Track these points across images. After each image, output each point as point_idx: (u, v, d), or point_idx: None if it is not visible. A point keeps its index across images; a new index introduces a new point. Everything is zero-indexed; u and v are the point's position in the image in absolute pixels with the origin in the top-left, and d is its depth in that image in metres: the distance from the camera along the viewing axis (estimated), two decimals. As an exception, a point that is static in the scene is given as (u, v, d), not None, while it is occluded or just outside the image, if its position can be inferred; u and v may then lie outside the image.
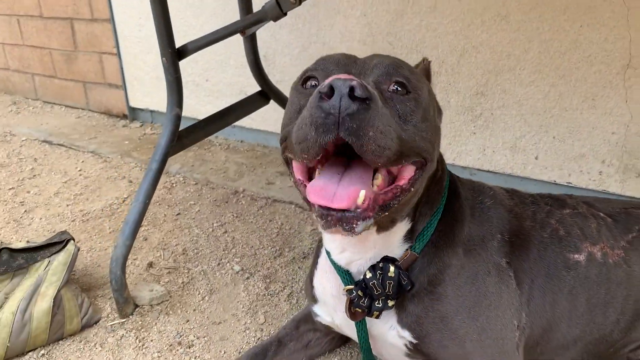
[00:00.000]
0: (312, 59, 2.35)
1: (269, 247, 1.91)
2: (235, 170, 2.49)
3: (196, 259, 1.86)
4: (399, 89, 0.99)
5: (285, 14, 1.44)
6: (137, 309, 1.63)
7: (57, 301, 1.50)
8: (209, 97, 2.70)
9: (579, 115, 1.85)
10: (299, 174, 1.02)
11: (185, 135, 1.69)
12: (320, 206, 0.89)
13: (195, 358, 1.45)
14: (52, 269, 1.55)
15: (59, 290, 1.51)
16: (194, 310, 1.63)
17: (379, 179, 0.95)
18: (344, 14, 2.18)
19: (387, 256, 1.09)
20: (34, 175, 2.50)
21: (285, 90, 2.14)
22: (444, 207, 1.17)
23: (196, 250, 1.91)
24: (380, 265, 1.08)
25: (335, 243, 1.14)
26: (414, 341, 1.12)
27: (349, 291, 1.11)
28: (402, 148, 0.92)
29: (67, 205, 2.23)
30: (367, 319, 1.15)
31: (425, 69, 1.22)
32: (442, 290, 1.11)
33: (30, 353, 1.47)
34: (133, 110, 3.09)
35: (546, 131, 1.93)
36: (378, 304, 1.09)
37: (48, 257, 1.59)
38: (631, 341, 1.26)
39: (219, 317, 1.59)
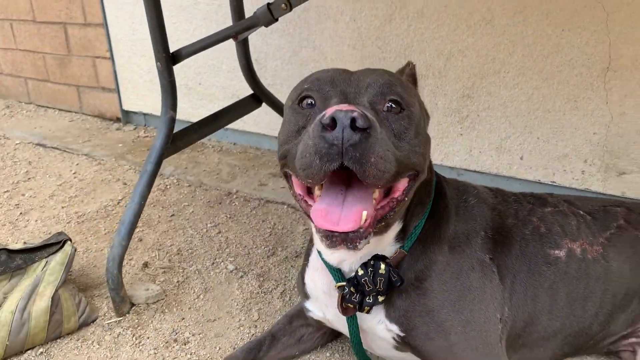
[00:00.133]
0: (302, 63, 2.41)
1: (262, 247, 1.95)
2: (229, 172, 2.53)
3: (191, 259, 1.90)
4: (393, 106, 1.04)
5: (276, 20, 1.48)
6: (133, 308, 1.67)
7: (55, 300, 1.53)
8: (202, 100, 2.74)
9: (561, 117, 1.91)
10: (299, 189, 1.07)
11: (179, 138, 1.73)
12: (325, 229, 0.95)
13: (191, 354, 1.49)
14: (50, 269, 1.58)
15: (56, 290, 1.54)
16: (189, 308, 1.67)
17: (376, 193, 1.02)
18: (334, 19, 2.23)
19: (377, 254, 1.14)
20: (29, 178, 2.53)
21: (277, 93, 2.19)
22: (431, 206, 1.22)
23: (190, 251, 1.95)
24: (372, 262, 1.12)
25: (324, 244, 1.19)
26: (402, 334, 1.17)
27: (341, 288, 1.16)
28: (399, 168, 0.98)
29: (62, 208, 2.27)
30: (358, 314, 1.20)
31: (411, 74, 1.27)
32: (429, 285, 1.16)
33: (29, 351, 1.51)
34: (126, 113, 3.12)
35: (530, 132, 1.99)
36: (369, 300, 1.14)
37: (45, 257, 1.62)
38: (610, 334, 1.32)
39: (213, 315, 1.63)
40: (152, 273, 1.83)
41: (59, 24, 3.08)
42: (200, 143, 2.85)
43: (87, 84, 3.17)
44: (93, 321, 1.62)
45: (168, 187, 2.43)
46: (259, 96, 2.04)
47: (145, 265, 1.87)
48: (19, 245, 1.65)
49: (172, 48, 1.64)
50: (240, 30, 1.57)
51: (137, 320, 1.62)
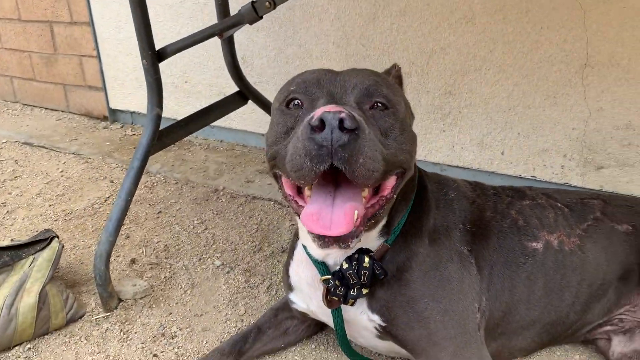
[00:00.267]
0: (288, 60, 2.43)
1: (249, 242, 1.97)
2: (215, 169, 2.55)
3: (178, 255, 1.92)
4: (379, 105, 1.07)
5: (261, 17, 1.50)
6: (121, 303, 1.68)
7: (42, 297, 1.54)
8: (188, 98, 2.76)
9: (541, 113, 1.95)
10: (289, 190, 1.09)
11: (165, 135, 1.75)
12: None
13: (178, 348, 1.51)
14: (37, 265, 1.59)
15: (44, 286, 1.56)
16: (177, 303, 1.69)
17: (365, 192, 1.05)
18: (318, 17, 2.25)
19: (362, 248, 1.17)
20: (15, 177, 2.53)
21: (263, 91, 2.21)
22: (413, 200, 1.25)
23: (177, 247, 1.97)
24: (356, 256, 1.16)
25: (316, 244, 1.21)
26: (383, 324, 1.20)
27: (326, 281, 1.18)
28: (387, 167, 1.01)
29: (50, 206, 2.27)
30: (341, 306, 1.22)
31: (397, 76, 1.29)
32: (409, 276, 1.19)
33: (16, 347, 1.52)
34: (113, 112, 3.12)
35: (511, 128, 2.03)
36: (353, 293, 1.17)
37: (33, 254, 1.63)
38: (587, 323, 1.36)
39: (200, 310, 1.66)
40: (139, 269, 1.85)
41: (45, 22, 3.08)
42: (187, 141, 2.86)
43: (74, 83, 3.17)
44: (81, 317, 1.64)
45: (155, 184, 2.44)
46: (245, 93, 2.06)
47: (133, 261, 1.88)
48: (5, 242, 1.67)
49: (158, 46, 1.66)
50: (225, 27, 1.59)
51: (124, 316, 1.64)
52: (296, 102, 1.09)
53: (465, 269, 1.24)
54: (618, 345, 1.33)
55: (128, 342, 1.54)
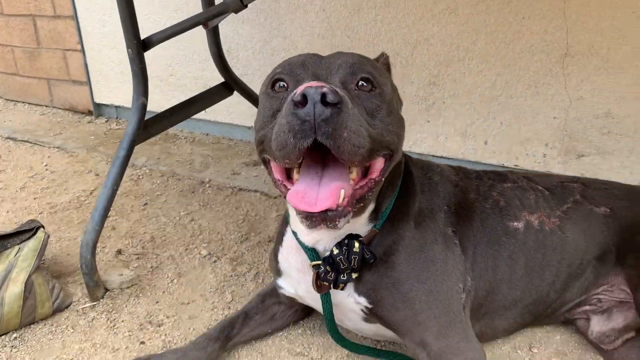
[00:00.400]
0: (274, 52, 2.44)
1: (235, 233, 1.98)
2: (201, 162, 2.55)
3: (164, 246, 1.92)
4: (364, 84, 1.07)
5: (245, 6, 1.51)
6: (107, 293, 1.68)
7: (28, 286, 1.54)
8: (174, 91, 2.75)
9: (523, 102, 1.99)
10: (277, 174, 1.09)
11: (151, 125, 1.76)
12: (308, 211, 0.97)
13: (165, 335, 1.52)
14: (23, 255, 1.59)
15: (29, 276, 1.55)
16: (163, 292, 1.69)
17: (354, 174, 1.05)
18: (304, 8, 2.26)
19: (351, 233, 1.18)
20: (-1, 171, 2.52)
21: (249, 83, 2.22)
22: (400, 185, 1.27)
23: (164, 238, 1.97)
24: (346, 242, 1.17)
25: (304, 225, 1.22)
26: (370, 306, 1.22)
27: (316, 266, 1.20)
28: (373, 145, 1.01)
29: (34, 199, 2.26)
30: (330, 290, 1.24)
31: (385, 64, 1.31)
32: (395, 258, 1.21)
33: (2, 337, 1.52)
34: (98, 106, 3.11)
35: (494, 117, 2.06)
36: (343, 277, 1.18)
37: (18, 244, 1.63)
38: (566, 301, 1.39)
39: (187, 298, 1.66)
40: (125, 260, 1.85)
41: (28, 16, 3.06)
42: (172, 134, 2.86)
43: (58, 77, 3.15)
44: (67, 307, 1.64)
45: (140, 177, 2.44)
46: (231, 84, 2.07)
47: (119, 252, 1.88)
48: (-10, 233, 1.66)
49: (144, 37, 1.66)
50: (210, 16, 1.60)
51: (111, 305, 1.64)
52: (281, 83, 1.10)
53: (449, 250, 1.26)
54: (597, 324, 1.36)
55: (115, 330, 1.54)
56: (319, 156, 1.04)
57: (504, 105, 2.02)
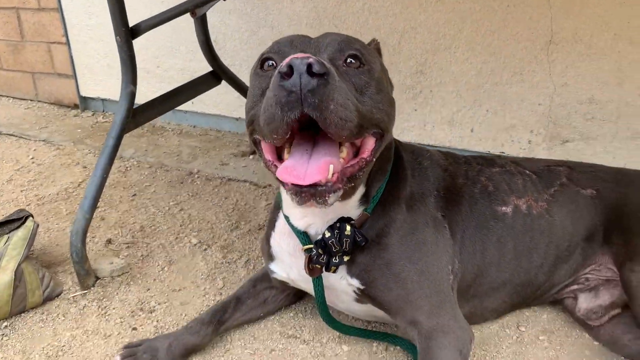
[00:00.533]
0: (261, 42, 2.45)
1: (225, 221, 1.99)
2: (189, 153, 2.55)
3: (154, 235, 1.92)
4: (353, 61, 1.07)
5: (233, -7, 1.52)
6: (98, 281, 1.68)
7: (18, 274, 1.53)
8: (160, 83, 2.74)
9: (508, 89, 2.01)
10: (268, 155, 1.09)
11: (139, 113, 1.76)
12: (293, 184, 0.97)
13: (157, 321, 1.52)
14: (12, 244, 1.58)
15: (19, 264, 1.55)
16: (154, 280, 1.69)
17: (344, 152, 1.05)
18: (290, -1, 2.27)
19: (343, 217, 1.19)
20: (-16, 164, 2.49)
21: (236, 73, 2.23)
22: (390, 170, 1.28)
23: (153, 227, 1.97)
24: (338, 225, 1.18)
25: (297, 209, 1.23)
26: (362, 287, 1.24)
27: (308, 250, 1.21)
28: (362, 120, 1.00)
29: (21, 191, 2.25)
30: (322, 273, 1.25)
31: (376, 49, 1.32)
32: (387, 241, 1.23)
33: (-7, 325, 1.51)
34: (84, 99, 3.09)
35: (480, 105, 2.08)
36: (335, 260, 1.20)
37: (7, 233, 1.62)
38: (555, 283, 1.42)
39: (178, 285, 1.66)
40: (115, 249, 1.85)
41: (11, 9, 3.03)
42: (159, 126, 2.85)
43: (43, 71, 3.12)
44: (57, 295, 1.63)
45: (128, 168, 2.43)
46: (219, 73, 2.07)
47: (109, 241, 1.88)
48: (-21, 222, 1.65)
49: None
50: (198, 4, 1.61)
51: (102, 293, 1.64)
52: (270, 62, 1.10)
53: (439, 233, 1.28)
54: (584, 302, 1.39)
55: (106, 317, 1.54)
56: (310, 136, 1.04)
57: (489, 92, 2.05)
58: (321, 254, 1.19)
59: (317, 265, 1.21)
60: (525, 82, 1.98)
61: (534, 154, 2.04)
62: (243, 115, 2.67)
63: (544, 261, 1.37)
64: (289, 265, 1.34)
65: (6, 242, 1.59)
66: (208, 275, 1.70)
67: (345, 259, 1.20)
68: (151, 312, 1.55)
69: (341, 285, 1.27)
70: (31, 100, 3.31)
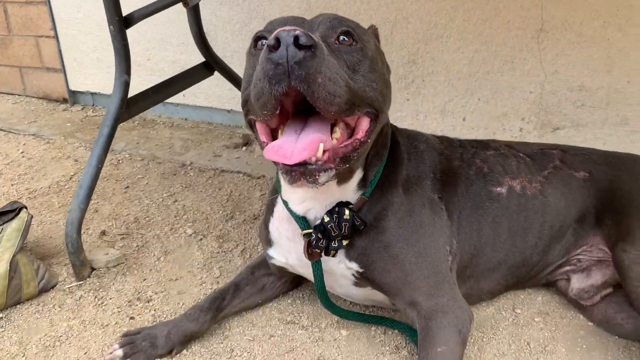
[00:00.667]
0: (252, 34, 2.43)
1: (220, 212, 1.99)
2: (181, 145, 2.55)
3: (148, 226, 1.92)
4: (345, 39, 1.06)
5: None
6: (93, 272, 1.68)
7: (13, 265, 1.52)
8: (151, 76, 2.73)
9: (500, 78, 2.03)
10: (263, 136, 1.09)
11: (133, 103, 1.75)
12: (284, 164, 0.97)
13: (155, 310, 1.52)
14: (6, 235, 1.57)
15: (14, 255, 1.54)
16: (150, 270, 1.69)
17: (338, 133, 1.04)
18: (282, -11, 2.28)
19: (341, 201, 1.20)
20: (-26, 159, 2.47)
21: (228, 65, 2.22)
22: (387, 154, 1.29)
23: (148, 218, 1.96)
24: (336, 209, 1.19)
25: (296, 194, 1.24)
26: (361, 270, 1.25)
27: (307, 235, 1.22)
28: (353, 97, 1.00)
29: (12, 185, 2.23)
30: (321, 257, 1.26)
31: (374, 34, 1.32)
32: (385, 223, 1.24)
33: (-12, 317, 1.50)
34: (73, 93, 3.06)
35: (472, 94, 2.10)
36: (334, 244, 1.21)
37: (1, 225, 1.61)
38: (548, 264, 1.44)
39: (175, 275, 1.66)
40: (110, 240, 1.84)
41: (-2, 2, 3.00)
42: (150, 119, 2.84)
43: (30, 65, 3.09)
44: (53, 287, 1.62)
45: (120, 161, 2.42)
46: (211, 64, 2.07)
47: (103, 233, 1.87)
48: (-28, 214, 1.63)
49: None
50: (191, -8, 1.60)
51: (98, 283, 1.63)
52: (262, 41, 1.10)
53: (436, 214, 1.29)
54: (576, 282, 1.41)
55: (103, 307, 1.54)
56: (303, 118, 1.04)
57: (481, 81, 2.07)
58: (320, 238, 1.20)
59: (316, 250, 1.22)
60: (517, 71, 2.00)
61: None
62: (235, 107, 2.68)
63: (538, 241, 1.40)
64: (287, 250, 1.35)
65: (0, 233, 1.58)
66: (204, 264, 1.70)
67: (345, 243, 1.21)
68: (148, 302, 1.55)
69: (340, 269, 1.28)
70: (19, 95, 3.28)
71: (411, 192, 1.29)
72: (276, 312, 1.49)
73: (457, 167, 1.38)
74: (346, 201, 1.20)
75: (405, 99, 2.22)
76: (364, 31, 1.15)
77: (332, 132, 1.04)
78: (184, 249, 1.78)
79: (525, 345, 1.35)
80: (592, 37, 1.86)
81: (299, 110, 1.06)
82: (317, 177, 0.98)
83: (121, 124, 1.75)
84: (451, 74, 2.11)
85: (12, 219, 1.63)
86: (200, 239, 1.83)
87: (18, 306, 1.55)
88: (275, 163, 1.01)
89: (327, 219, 1.18)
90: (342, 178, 1.19)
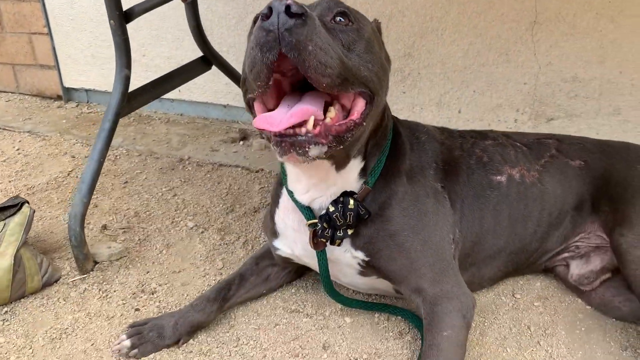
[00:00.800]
0: (248, 29, 2.44)
1: (220, 205, 2.00)
2: (178, 140, 2.55)
3: (149, 220, 1.93)
4: (342, 20, 1.07)
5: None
6: (96, 266, 1.69)
7: (17, 260, 1.53)
8: (146, 72, 2.73)
9: (495, 70, 2.07)
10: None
11: (134, 97, 1.76)
12: (275, 135, 0.98)
13: (159, 302, 1.53)
14: (9, 230, 1.58)
15: (18, 250, 1.54)
16: (153, 262, 1.70)
17: (332, 112, 1.05)
18: (277, -16, 2.28)
19: (346, 191, 1.22)
20: (-31, 156, 2.46)
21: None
22: (390, 145, 1.31)
23: (148, 213, 1.97)
24: (341, 199, 1.21)
25: (300, 184, 1.26)
26: (367, 258, 1.27)
27: (312, 225, 1.24)
28: (346, 72, 1.00)
29: (10, 182, 2.23)
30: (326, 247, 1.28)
31: (376, 28, 1.33)
32: (390, 212, 1.26)
33: (-7, 311, 1.51)
34: (68, 90, 3.06)
35: (467, 86, 2.13)
36: (339, 234, 1.23)
37: (3, 219, 1.61)
38: (547, 250, 1.47)
39: (178, 267, 1.68)
40: (111, 234, 1.85)
41: (-10, 0, 2.98)
42: (145, 115, 2.84)
43: (24, 62, 3.07)
44: (56, 280, 1.63)
45: (118, 157, 2.43)
46: (209, 58, 2.08)
47: (104, 227, 1.88)
48: (-26, 209, 1.64)
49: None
50: (191, -13, 1.62)
51: (101, 277, 1.64)
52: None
53: (440, 203, 1.32)
54: (576, 268, 1.45)
55: (108, 299, 1.55)
56: (300, 96, 1.06)
57: (476, 73, 2.10)
58: (326, 227, 1.22)
59: (321, 239, 1.24)
60: (511, 63, 2.03)
61: (520, 133, 2.10)
62: (231, 102, 2.69)
63: (537, 228, 1.43)
64: (293, 240, 1.37)
65: (3, 228, 1.59)
66: (207, 256, 1.72)
67: (350, 232, 1.23)
68: (152, 294, 1.57)
69: (345, 258, 1.30)
70: (12, 93, 3.26)
71: (415, 182, 1.31)
72: (280, 301, 1.51)
73: (458, 157, 1.41)
74: (350, 191, 1.22)
75: (402, 91, 2.25)
76: (361, 16, 1.16)
77: (327, 111, 1.05)
78: (185, 242, 1.80)
79: (525, 329, 1.38)
80: (585, 28, 1.89)
81: (295, 90, 1.08)
82: (307, 149, 0.98)
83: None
84: (447, 67, 2.13)
85: (14, 213, 1.63)
86: (202, 232, 1.84)
87: (22, 300, 1.55)
88: (268, 139, 1.02)
89: (332, 208, 1.20)
90: (339, 163, 1.19)
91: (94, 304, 1.53)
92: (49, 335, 1.43)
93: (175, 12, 2.47)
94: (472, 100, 2.14)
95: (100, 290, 1.59)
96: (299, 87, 1.08)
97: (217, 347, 1.37)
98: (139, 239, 1.81)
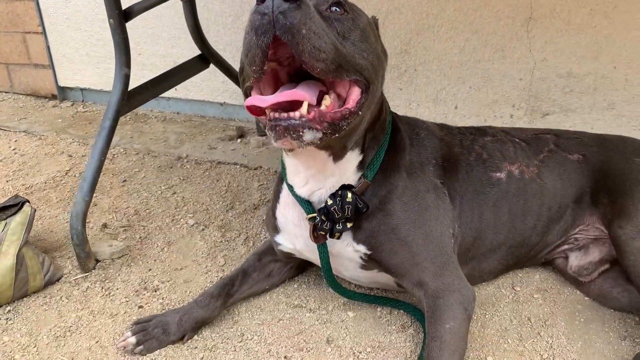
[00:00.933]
0: (244, 27, 2.45)
1: (220, 202, 2.01)
2: (176, 138, 2.56)
3: (149, 218, 1.93)
4: (337, 9, 1.07)
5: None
6: (98, 264, 1.69)
7: (19, 259, 1.53)
8: (142, 70, 2.73)
9: (491, 66, 2.09)
10: None
11: (133, 96, 1.76)
12: (269, 120, 0.99)
13: (162, 299, 1.54)
14: (11, 229, 1.58)
15: (20, 249, 1.54)
16: (155, 260, 1.71)
17: (328, 100, 1.05)
18: (274, -18, 2.29)
19: (344, 184, 1.24)
20: (-34, 156, 2.45)
21: (223, 56, 2.24)
22: (389, 140, 1.33)
23: (148, 211, 1.98)
24: (339, 192, 1.22)
25: (299, 177, 1.27)
26: (368, 252, 1.29)
27: (312, 219, 1.25)
28: (340, 58, 1.01)
29: (7, 181, 2.22)
30: (327, 241, 1.29)
31: (374, 24, 1.34)
32: (391, 207, 1.28)
33: (-5, 310, 1.51)
34: (62, 89, 3.05)
35: (463, 82, 2.15)
36: (339, 227, 1.24)
37: (4, 219, 1.61)
38: (547, 244, 1.50)
39: (180, 264, 1.69)
40: (112, 232, 1.85)
41: (-17, -1, 2.97)
42: (142, 114, 2.84)
43: (18, 62, 3.06)
44: (58, 279, 1.63)
45: (115, 156, 2.43)
46: (207, 56, 2.09)
47: (105, 226, 1.88)
48: (-25, 209, 1.63)
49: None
50: (190, -15, 1.62)
51: (104, 275, 1.65)
52: None
53: (440, 199, 1.34)
54: (575, 260, 1.47)
55: (111, 297, 1.56)
56: (296, 84, 1.06)
57: (472, 69, 2.12)
58: (324, 220, 1.23)
59: (321, 232, 1.25)
60: (507, 59, 2.05)
61: (516, 128, 2.12)
62: (228, 100, 2.69)
63: (537, 222, 1.45)
64: (294, 235, 1.38)
65: (4, 228, 1.58)
66: (208, 253, 1.73)
67: (349, 225, 1.25)
68: (155, 291, 1.57)
69: (347, 252, 1.32)
70: (6, 92, 3.25)
71: (415, 177, 1.33)
72: (283, 296, 1.53)
73: (457, 154, 1.43)
74: (349, 184, 1.24)
75: (398, 88, 2.27)
76: (357, 8, 1.17)
77: (323, 99, 1.05)
78: (186, 239, 1.80)
79: (526, 321, 1.40)
80: (580, 24, 1.91)
81: (293, 81, 1.09)
82: (300, 133, 0.99)
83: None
84: (443, 63, 2.15)
85: (15, 213, 1.63)
86: (202, 229, 1.85)
87: (25, 299, 1.56)
88: (264, 127, 1.03)
89: (330, 201, 1.22)
90: (337, 154, 1.20)
91: (97, 302, 1.54)
92: (53, 333, 1.43)
93: (170, 11, 2.47)
94: (469, 96, 2.16)
95: (102, 288, 1.59)
96: (297, 79, 1.09)
97: (222, 343, 1.38)
98: (140, 237, 1.82)
